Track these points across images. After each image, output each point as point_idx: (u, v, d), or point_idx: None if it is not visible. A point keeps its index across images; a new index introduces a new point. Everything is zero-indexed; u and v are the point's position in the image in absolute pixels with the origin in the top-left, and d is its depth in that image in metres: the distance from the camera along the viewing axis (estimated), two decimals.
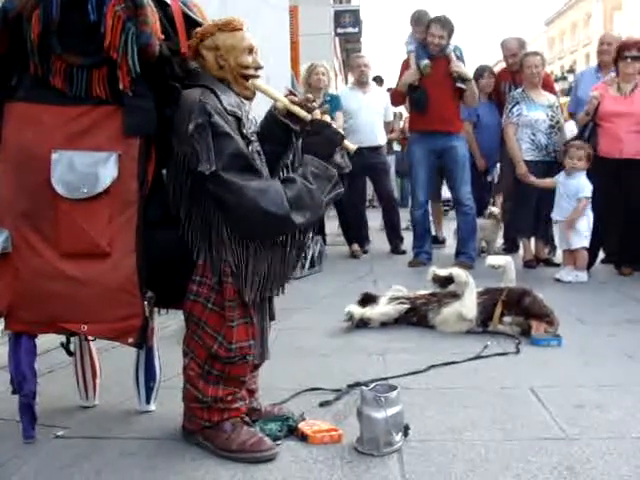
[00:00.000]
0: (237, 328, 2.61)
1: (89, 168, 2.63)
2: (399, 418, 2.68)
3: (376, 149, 7.96)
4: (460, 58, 6.92)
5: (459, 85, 6.83)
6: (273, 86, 2.91)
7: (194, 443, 2.74)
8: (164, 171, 2.70)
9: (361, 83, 8.27)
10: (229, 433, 2.68)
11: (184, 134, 2.51)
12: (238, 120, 2.62)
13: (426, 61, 6.78)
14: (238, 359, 2.64)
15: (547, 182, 6.42)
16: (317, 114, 2.74)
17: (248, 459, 2.62)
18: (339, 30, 19.84)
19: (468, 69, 7.08)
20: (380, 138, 8.12)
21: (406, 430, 2.72)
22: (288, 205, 2.51)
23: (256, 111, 2.90)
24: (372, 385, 2.79)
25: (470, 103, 7.16)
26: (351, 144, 2.87)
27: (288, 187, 2.55)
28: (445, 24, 6.81)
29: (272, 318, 2.90)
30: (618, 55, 6.44)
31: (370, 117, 7.94)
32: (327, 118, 2.75)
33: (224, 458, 2.64)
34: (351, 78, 9.06)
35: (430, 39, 6.81)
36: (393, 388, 2.73)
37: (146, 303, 2.66)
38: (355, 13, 20.44)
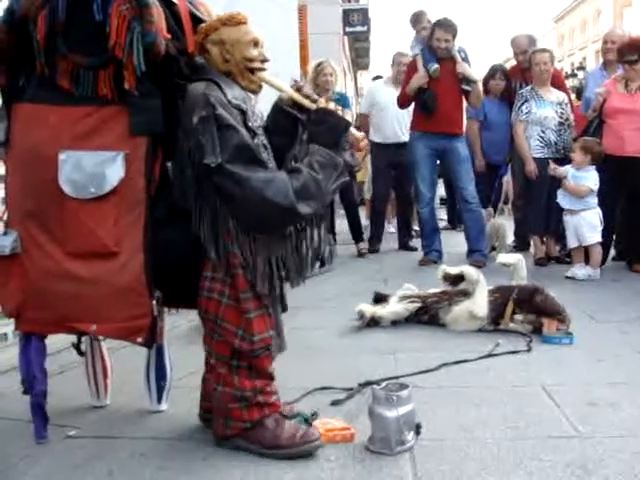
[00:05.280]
0: (256, 319, 2.60)
1: (96, 168, 2.64)
2: (411, 417, 2.67)
3: (402, 146, 7.91)
4: (465, 59, 6.94)
5: (465, 87, 6.88)
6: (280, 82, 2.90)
7: (231, 448, 2.69)
8: (169, 164, 2.68)
9: (396, 80, 8.26)
10: (273, 429, 2.66)
11: (189, 127, 2.51)
12: (243, 113, 2.62)
13: (436, 66, 6.79)
14: (262, 351, 2.63)
15: (561, 170, 6.34)
16: (322, 102, 2.75)
17: (300, 453, 2.61)
18: (348, 29, 19.85)
19: (476, 68, 7.12)
20: (407, 135, 8.08)
21: (418, 429, 2.71)
22: (294, 195, 2.51)
23: (262, 104, 2.90)
24: (383, 384, 2.78)
25: (475, 104, 7.25)
26: (357, 132, 2.86)
27: (294, 177, 2.55)
28: (449, 27, 6.83)
29: (284, 309, 2.89)
30: (619, 57, 6.44)
31: (398, 113, 7.89)
32: (332, 106, 2.75)
33: (272, 457, 2.61)
34: (386, 74, 9.01)
35: (436, 44, 6.82)
36: (404, 387, 2.72)
37: (154, 302, 2.66)
38: (364, 12, 20.44)
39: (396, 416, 2.61)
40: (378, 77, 9.93)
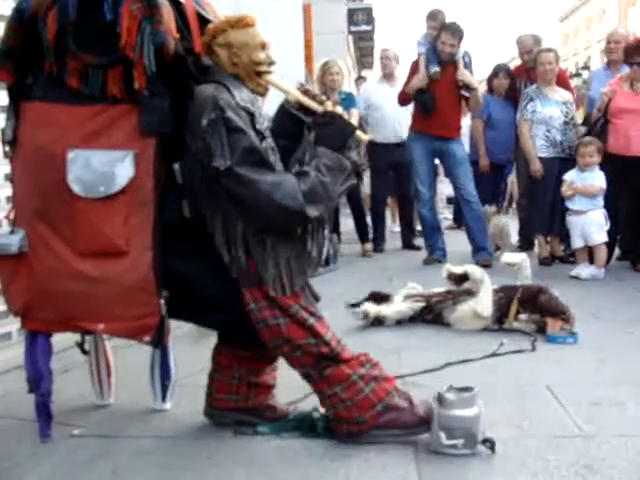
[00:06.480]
0: (316, 324, 2.64)
1: (105, 167, 2.64)
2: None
3: (403, 145, 7.89)
4: (468, 65, 6.96)
5: (464, 93, 6.91)
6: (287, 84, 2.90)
7: (366, 443, 2.69)
8: (175, 166, 2.68)
9: (387, 76, 8.29)
10: (408, 408, 2.71)
11: (197, 129, 2.52)
12: (251, 115, 2.62)
13: (436, 68, 6.80)
14: (340, 348, 2.68)
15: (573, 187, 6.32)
16: (329, 106, 2.74)
17: None
18: (352, 28, 19.85)
19: (481, 68, 7.17)
20: (406, 132, 8.06)
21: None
22: (302, 198, 2.52)
23: (268, 107, 2.90)
24: (445, 387, 2.72)
25: (474, 110, 7.34)
26: (364, 135, 2.86)
27: (302, 180, 2.56)
28: (455, 32, 6.84)
29: (317, 299, 2.88)
30: (626, 58, 6.43)
31: (396, 111, 7.86)
32: (338, 109, 2.75)
33: (418, 434, 2.69)
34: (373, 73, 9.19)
35: (441, 47, 6.84)
36: (469, 389, 2.69)
37: (162, 302, 2.66)
38: (368, 11, 20.44)
39: (478, 412, 2.61)
40: (361, 77, 9.95)
